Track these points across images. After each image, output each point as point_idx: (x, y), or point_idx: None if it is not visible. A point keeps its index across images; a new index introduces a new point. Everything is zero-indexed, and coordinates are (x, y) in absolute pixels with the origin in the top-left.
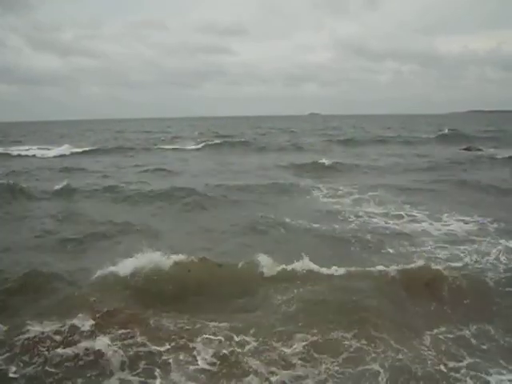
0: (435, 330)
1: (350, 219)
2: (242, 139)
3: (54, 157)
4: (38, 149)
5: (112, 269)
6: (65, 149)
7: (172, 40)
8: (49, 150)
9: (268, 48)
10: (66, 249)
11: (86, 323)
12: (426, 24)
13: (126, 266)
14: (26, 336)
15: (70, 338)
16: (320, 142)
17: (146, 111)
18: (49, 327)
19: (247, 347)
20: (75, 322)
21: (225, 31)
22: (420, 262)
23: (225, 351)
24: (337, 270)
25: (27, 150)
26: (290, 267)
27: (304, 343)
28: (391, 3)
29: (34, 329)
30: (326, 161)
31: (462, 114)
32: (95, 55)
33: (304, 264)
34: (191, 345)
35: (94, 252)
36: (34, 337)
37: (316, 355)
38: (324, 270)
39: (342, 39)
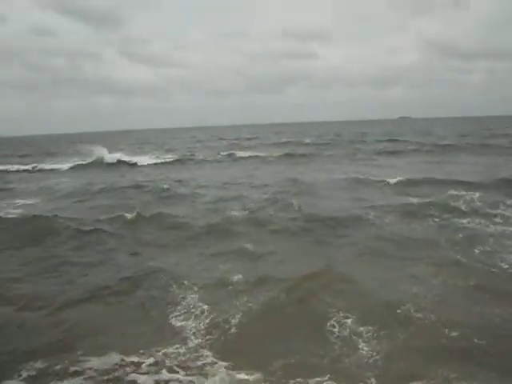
0: None
1: None
2: None
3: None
4: None
5: None
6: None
7: (255, 47)
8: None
9: (352, 51)
10: None
11: None
12: None
13: None
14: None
15: None
16: None
17: (231, 118)
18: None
19: None
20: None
21: (308, 36)
22: None
23: None
24: None
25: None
26: None
27: None
28: None
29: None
30: None
31: None
32: (182, 65)
33: None
34: None
35: None
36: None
37: None
38: None
39: (429, 39)
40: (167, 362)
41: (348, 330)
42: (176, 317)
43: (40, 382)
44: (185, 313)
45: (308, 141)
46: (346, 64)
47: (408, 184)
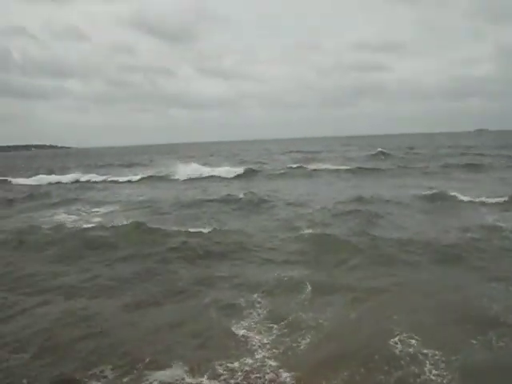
0: None
1: None
2: None
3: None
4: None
5: None
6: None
7: (327, 60)
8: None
9: (425, 63)
10: None
11: None
12: None
13: None
14: None
15: None
16: None
17: (302, 131)
18: None
19: None
20: None
21: (380, 48)
22: None
23: None
24: None
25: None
26: None
27: None
28: None
29: None
30: None
31: None
32: (254, 79)
33: None
34: None
35: None
36: None
37: None
38: None
39: (508, 48)
40: (232, 381)
41: (413, 349)
42: (242, 327)
43: None
44: (251, 324)
45: (380, 154)
46: (419, 76)
47: (491, 201)
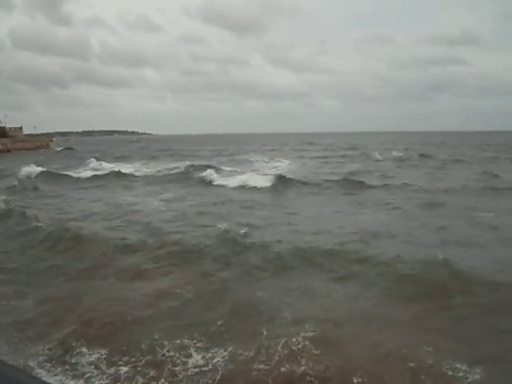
0: None
1: None
2: None
3: None
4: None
5: None
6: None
7: (400, 53)
8: None
9: (506, 58)
10: None
11: None
12: None
13: None
14: None
15: None
16: None
17: (376, 125)
18: None
19: None
20: None
21: (455, 41)
22: None
23: None
24: None
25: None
26: None
27: None
28: None
29: None
30: None
31: None
32: (325, 71)
33: None
34: None
35: None
36: None
37: None
38: None
39: None
40: None
41: None
42: None
43: None
44: None
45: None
46: (499, 71)
47: None
